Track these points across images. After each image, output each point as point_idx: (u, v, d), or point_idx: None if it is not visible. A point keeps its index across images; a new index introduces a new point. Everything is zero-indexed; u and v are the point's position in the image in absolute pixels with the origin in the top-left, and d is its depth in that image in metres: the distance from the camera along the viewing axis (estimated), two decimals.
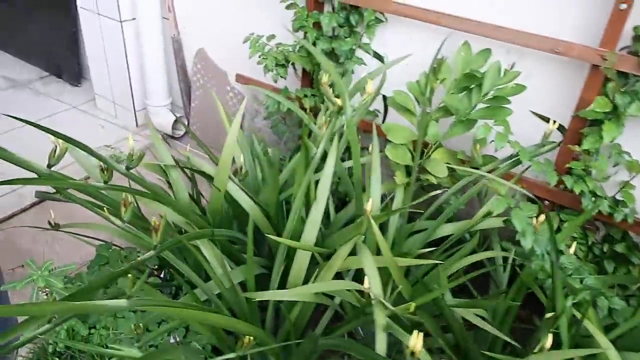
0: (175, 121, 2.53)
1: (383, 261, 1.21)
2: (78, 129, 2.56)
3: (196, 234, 1.26)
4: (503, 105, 1.42)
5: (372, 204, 1.41)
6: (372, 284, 1.02)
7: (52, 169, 1.17)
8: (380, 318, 0.98)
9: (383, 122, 1.88)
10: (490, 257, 1.47)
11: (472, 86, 1.50)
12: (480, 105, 1.49)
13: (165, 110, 2.55)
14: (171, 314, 1.23)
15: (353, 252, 1.32)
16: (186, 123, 2.59)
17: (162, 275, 1.57)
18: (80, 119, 2.71)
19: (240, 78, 2.18)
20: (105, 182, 1.24)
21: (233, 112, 2.37)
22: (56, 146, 1.21)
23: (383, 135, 1.57)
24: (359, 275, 1.50)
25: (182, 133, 2.59)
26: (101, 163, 1.22)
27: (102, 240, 1.66)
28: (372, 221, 1.18)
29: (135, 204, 1.51)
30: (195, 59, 2.40)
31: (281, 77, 1.74)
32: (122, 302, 0.96)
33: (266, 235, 1.31)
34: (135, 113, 2.59)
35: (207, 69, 2.37)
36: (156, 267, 1.59)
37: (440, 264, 1.25)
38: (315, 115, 1.82)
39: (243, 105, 1.43)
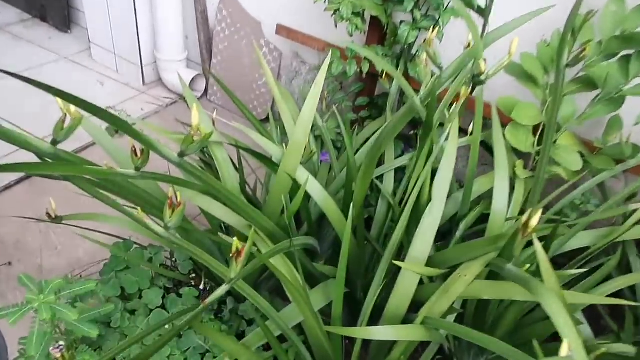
0: (192, 80, 2.10)
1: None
2: (71, 85, 2.10)
3: (277, 249, 0.88)
4: None
5: (498, 208, 1.05)
6: (575, 349, 0.67)
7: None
8: None
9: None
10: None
11: (625, 53, 1.12)
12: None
13: (179, 66, 2.11)
14: None
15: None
16: (204, 82, 2.16)
17: (201, 287, 1.19)
18: (73, 73, 2.25)
19: (281, 29, 1.76)
20: (138, 169, 0.85)
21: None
22: (66, 115, 0.81)
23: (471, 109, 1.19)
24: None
25: (199, 94, 2.16)
26: (137, 144, 0.82)
27: (109, 234, 1.26)
28: (537, 240, 0.82)
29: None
30: (220, 5, 1.95)
31: (357, 29, 1.33)
32: None
33: (394, 262, 0.94)
34: (142, 68, 2.14)
35: (235, 18, 1.93)
36: (192, 275, 1.21)
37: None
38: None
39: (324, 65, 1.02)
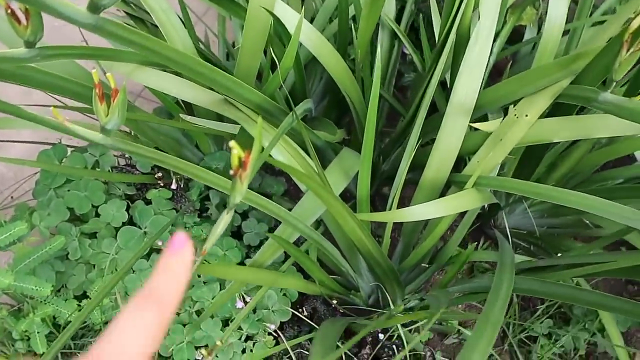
0: None
1: None
2: None
3: (282, 131, 0.60)
4: None
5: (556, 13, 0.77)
6: None
7: None
8: None
9: None
10: None
11: None
12: None
13: None
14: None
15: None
16: None
17: (173, 186, 0.92)
18: None
19: None
20: (30, 44, 0.51)
21: None
22: None
23: None
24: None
25: None
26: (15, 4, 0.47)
27: (32, 143, 0.94)
28: None
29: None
30: None
31: None
32: None
33: (471, 125, 0.67)
34: None
35: None
36: (158, 173, 0.92)
37: None
38: None
39: None
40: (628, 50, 0.58)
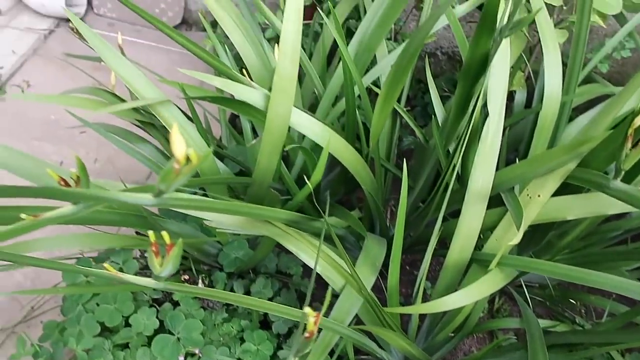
0: None
1: None
2: None
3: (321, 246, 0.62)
4: None
5: (551, 89, 0.82)
6: None
7: None
8: None
9: None
10: None
11: None
12: None
13: None
14: None
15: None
16: None
17: (199, 285, 0.93)
18: None
19: None
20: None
21: None
22: None
23: None
24: None
25: (82, 9, 1.63)
26: None
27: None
28: None
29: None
30: None
31: None
32: None
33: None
34: None
35: None
36: (185, 275, 0.93)
37: None
38: None
39: None
40: (633, 146, 0.63)
